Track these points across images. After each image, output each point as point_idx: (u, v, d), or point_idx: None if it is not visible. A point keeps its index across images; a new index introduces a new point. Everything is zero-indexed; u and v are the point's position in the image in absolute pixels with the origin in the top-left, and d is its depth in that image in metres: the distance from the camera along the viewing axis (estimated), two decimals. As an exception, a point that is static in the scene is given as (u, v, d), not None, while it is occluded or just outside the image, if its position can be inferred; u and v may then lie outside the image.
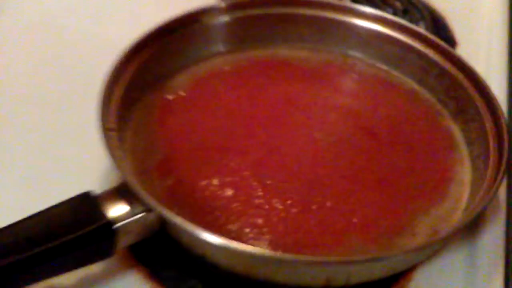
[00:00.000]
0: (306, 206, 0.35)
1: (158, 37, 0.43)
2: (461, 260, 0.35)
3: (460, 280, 0.34)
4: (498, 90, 0.50)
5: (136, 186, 0.31)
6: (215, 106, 0.43)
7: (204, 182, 0.36)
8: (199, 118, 0.42)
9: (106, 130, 0.34)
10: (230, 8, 0.47)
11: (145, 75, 0.42)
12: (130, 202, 0.30)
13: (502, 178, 0.33)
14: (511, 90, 0.51)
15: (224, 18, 0.47)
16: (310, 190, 0.36)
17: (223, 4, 0.46)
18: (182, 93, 0.44)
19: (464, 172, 0.39)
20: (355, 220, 0.35)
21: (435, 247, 0.32)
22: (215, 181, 0.36)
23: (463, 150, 0.40)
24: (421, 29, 0.45)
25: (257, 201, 0.35)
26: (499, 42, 0.59)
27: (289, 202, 0.35)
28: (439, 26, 0.62)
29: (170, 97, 0.43)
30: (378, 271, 0.31)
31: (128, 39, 0.41)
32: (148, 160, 0.38)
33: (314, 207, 0.35)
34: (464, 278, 0.34)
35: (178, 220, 0.29)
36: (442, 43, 0.44)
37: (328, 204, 0.36)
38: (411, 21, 0.61)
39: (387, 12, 0.62)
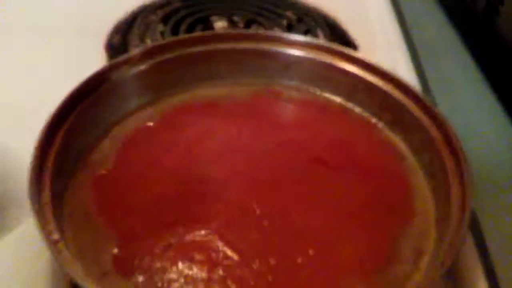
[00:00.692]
0: (290, 261, 0.33)
1: (71, 108, 0.37)
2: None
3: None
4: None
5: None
6: (147, 170, 0.39)
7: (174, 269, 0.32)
8: (135, 190, 0.37)
9: (52, 243, 0.28)
10: (140, 58, 0.42)
11: (68, 153, 0.36)
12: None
13: (471, 192, 0.33)
14: (421, 81, 0.54)
15: (135, 69, 0.42)
16: (288, 242, 0.34)
17: (134, 54, 0.42)
18: (110, 164, 0.39)
19: (420, 182, 0.39)
20: (342, 263, 0.33)
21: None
22: (183, 265, 0.32)
23: (412, 160, 0.41)
24: (342, 47, 0.44)
25: (239, 271, 0.32)
26: (394, 36, 0.62)
27: (272, 262, 0.33)
28: (335, 31, 0.63)
29: (99, 172, 0.38)
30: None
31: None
32: (103, 261, 0.33)
33: (299, 260, 0.33)
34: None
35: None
36: (364, 57, 0.44)
37: (311, 252, 0.34)
38: (308, 29, 0.62)
39: (281, 23, 0.63)
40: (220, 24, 0.63)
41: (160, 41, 0.45)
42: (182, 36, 0.43)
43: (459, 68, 0.57)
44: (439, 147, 0.38)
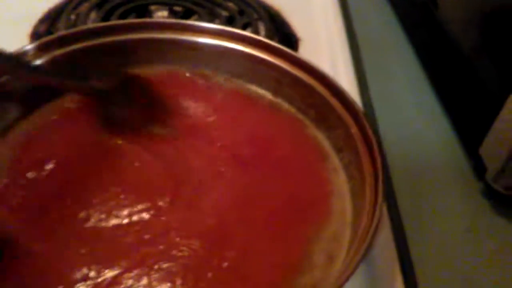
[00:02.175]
0: (198, 276, 0.31)
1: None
2: (360, 272, 0.34)
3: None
4: (347, 81, 0.51)
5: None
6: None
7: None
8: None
9: None
10: (43, 48, 0.39)
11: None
12: None
13: (383, 194, 0.32)
14: (359, 77, 0.52)
15: (38, 62, 0.39)
16: (199, 252, 0.32)
17: (31, 46, 0.39)
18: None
19: (341, 182, 0.37)
20: (253, 275, 0.31)
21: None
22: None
23: (334, 159, 0.39)
24: (269, 40, 0.42)
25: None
26: (336, 30, 0.60)
27: (178, 281, 0.30)
28: (278, 23, 0.61)
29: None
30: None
31: None
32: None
33: (209, 275, 0.31)
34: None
35: None
36: (288, 50, 0.42)
37: (225, 264, 0.31)
38: (249, 22, 0.60)
39: (222, 15, 0.60)
40: (159, 14, 0.61)
41: (60, 32, 0.42)
42: (89, 25, 0.40)
43: (399, 63, 0.56)
44: (357, 145, 0.36)
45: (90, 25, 0.45)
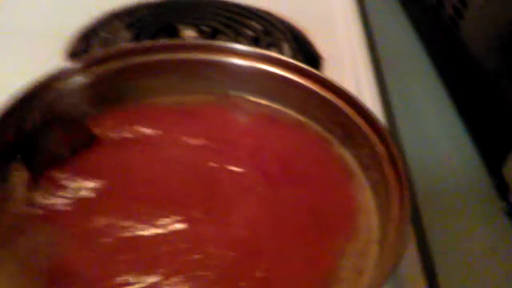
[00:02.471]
0: (232, 285, 0.32)
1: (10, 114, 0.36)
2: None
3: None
4: (371, 101, 0.52)
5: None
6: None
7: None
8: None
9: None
10: (85, 67, 0.41)
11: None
12: None
13: (408, 212, 0.33)
14: (383, 97, 0.54)
15: (82, 79, 0.41)
16: (233, 262, 0.33)
17: (77, 65, 0.41)
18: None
19: (367, 200, 0.39)
20: (284, 284, 0.32)
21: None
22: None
23: (361, 177, 0.40)
24: (297, 62, 0.44)
25: None
26: (360, 51, 0.62)
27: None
28: (302, 44, 0.63)
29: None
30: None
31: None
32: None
33: (243, 284, 0.32)
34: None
35: None
36: (316, 71, 0.44)
37: (258, 274, 0.33)
38: (273, 42, 0.62)
39: (248, 35, 0.62)
40: (187, 33, 0.63)
41: (105, 50, 0.44)
42: (129, 44, 0.42)
43: (421, 83, 0.57)
44: (384, 164, 0.37)
45: (126, 45, 0.47)
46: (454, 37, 0.54)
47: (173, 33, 0.62)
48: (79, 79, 0.41)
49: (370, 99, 0.52)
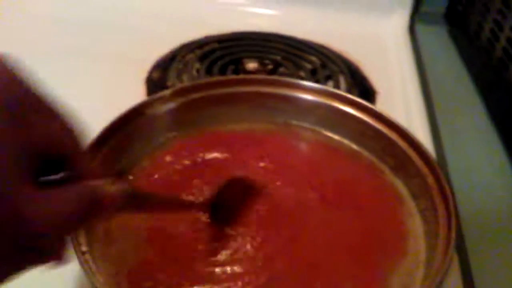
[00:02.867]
0: None
1: (109, 137, 0.43)
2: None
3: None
4: (422, 135, 0.56)
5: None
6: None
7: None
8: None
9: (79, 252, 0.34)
10: (173, 95, 0.48)
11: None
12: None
13: (455, 237, 0.37)
14: (433, 131, 0.57)
15: (168, 106, 0.48)
16: (295, 276, 0.38)
17: (166, 93, 0.48)
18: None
19: (416, 226, 0.43)
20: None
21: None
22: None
23: (410, 204, 0.44)
24: (354, 97, 0.49)
25: None
26: (412, 86, 0.66)
27: None
28: (357, 77, 0.68)
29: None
30: None
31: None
32: (121, 267, 0.38)
33: None
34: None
35: None
36: (372, 106, 0.49)
37: (316, 286, 0.37)
38: (330, 74, 0.67)
39: (306, 67, 0.68)
40: (251, 66, 0.69)
41: (189, 83, 0.51)
42: (209, 79, 0.49)
43: (470, 119, 0.60)
44: (433, 195, 0.41)
45: (203, 80, 0.54)
46: (503, 77, 0.57)
47: (239, 64, 0.68)
48: (167, 106, 0.47)
49: (420, 132, 0.56)
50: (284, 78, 0.51)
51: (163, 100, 0.47)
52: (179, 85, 0.48)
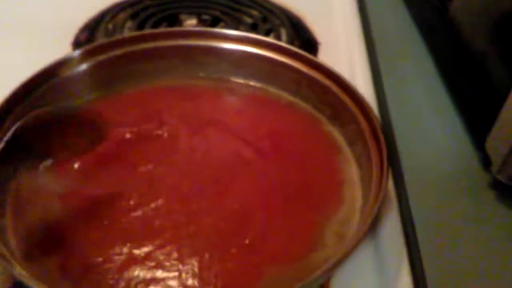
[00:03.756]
0: (223, 251, 0.35)
1: (19, 101, 0.39)
2: (368, 256, 0.38)
3: (371, 275, 0.37)
4: (363, 83, 0.54)
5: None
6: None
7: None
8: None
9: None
10: (88, 54, 0.44)
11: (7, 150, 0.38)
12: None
13: (387, 175, 0.35)
14: (375, 79, 0.56)
15: (84, 65, 0.44)
16: (224, 231, 0.36)
17: (79, 51, 0.44)
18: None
19: (352, 172, 0.41)
20: (270, 251, 0.35)
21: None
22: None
23: (347, 152, 0.43)
24: (285, 44, 0.46)
25: (167, 262, 0.34)
26: (355, 35, 0.64)
27: (206, 256, 0.35)
28: (299, 29, 0.65)
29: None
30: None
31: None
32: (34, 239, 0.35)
33: (233, 250, 0.35)
34: (374, 272, 0.37)
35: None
36: (306, 54, 0.46)
37: (247, 241, 0.36)
38: (271, 28, 0.64)
39: (246, 22, 0.64)
40: (189, 22, 0.65)
41: (108, 39, 0.47)
42: (131, 33, 0.45)
43: (415, 67, 0.59)
44: (367, 139, 0.39)
45: (127, 34, 0.50)
46: (443, 18, 0.55)
47: (175, 22, 0.65)
48: (82, 66, 0.44)
49: (363, 82, 0.53)
50: (213, 29, 0.48)
51: (76, 60, 0.43)
52: (96, 42, 0.44)
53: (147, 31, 0.47)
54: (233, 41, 0.48)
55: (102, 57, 0.45)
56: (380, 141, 0.38)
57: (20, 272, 0.29)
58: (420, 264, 0.38)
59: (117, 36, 0.48)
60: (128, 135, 0.43)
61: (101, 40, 0.53)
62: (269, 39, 0.47)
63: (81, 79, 0.44)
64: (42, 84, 0.41)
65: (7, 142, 0.37)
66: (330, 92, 0.44)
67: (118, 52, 0.45)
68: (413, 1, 0.66)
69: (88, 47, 0.44)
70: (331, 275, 0.35)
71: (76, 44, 0.59)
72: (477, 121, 0.48)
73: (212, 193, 0.39)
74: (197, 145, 0.43)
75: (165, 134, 0.43)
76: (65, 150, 0.37)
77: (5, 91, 0.40)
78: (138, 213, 0.37)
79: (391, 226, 0.39)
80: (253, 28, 0.64)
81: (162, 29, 0.46)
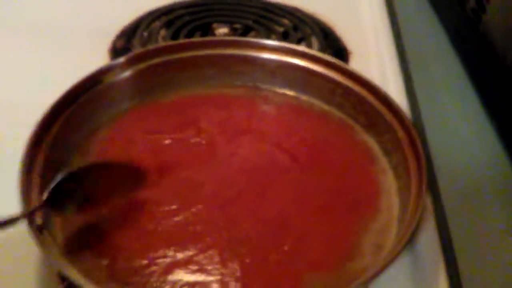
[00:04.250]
0: (263, 257, 0.36)
1: (64, 107, 0.41)
2: (405, 265, 0.38)
3: (408, 285, 0.37)
4: (395, 92, 0.54)
5: (86, 284, 0.29)
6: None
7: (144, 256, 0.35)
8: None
9: (32, 225, 0.32)
10: (130, 62, 0.46)
11: (57, 151, 0.40)
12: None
13: (426, 186, 0.35)
14: (407, 87, 0.56)
15: (126, 73, 0.46)
16: (263, 237, 0.37)
17: (122, 60, 0.45)
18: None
19: (389, 182, 0.41)
20: (308, 258, 0.36)
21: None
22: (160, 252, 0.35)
23: (383, 161, 0.43)
24: (320, 53, 0.47)
25: (209, 266, 0.35)
26: (386, 44, 0.64)
27: (247, 260, 0.35)
28: (330, 38, 0.66)
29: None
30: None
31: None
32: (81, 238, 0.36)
33: (273, 256, 0.36)
34: (412, 282, 0.37)
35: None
36: (341, 63, 0.47)
37: (286, 248, 0.36)
38: (303, 37, 0.65)
39: (278, 31, 0.65)
40: (221, 31, 0.67)
41: (147, 47, 0.49)
42: (168, 42, 0.46)
43: (446, 76, 0.59)
44: (405, 148, 0.40)
45: (165, 43, 0.51)
46: (477, 30, 0.55)
47: (208, 31, 0.66)
48: (124, 74, 0.45)
49: (395, 90, 0.54)
50: (247, 39, 0.49)
51: (120, 67, 0.45)
52: (136, 51, 0.45)
53: (185, 40, 0.48)
54: (268, 51, 0.49)
55: (142, 65, 0.46)
56: (419, 151, 0.38)
57: (71, 270, 0.30)
58: (457, 274, 0.38)
59: (156, 45, 0.50)
60: (167, 142, 0.44)
61: (140, 48, 0.54)
62: (304, 49, 0.48)
63: (122, 87, 0.45)
64: (88, 89, 0.43)
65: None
66: (365, 101, 0.45)
67: (156, 60, 0.46)
68: (445, 10, 0.66)
69: (129, 55, 0.45)
70: (368, 284, 0.36)
71: (113, 51, 0.61)
72: (510, 128, 0.48)
73: (250, 200, 0.39)
74: (234, 152, 0.44)
75: (203, 141, 0.44)
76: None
77: (47, 96, 0.41)
78: (180, 218, 0.38)
79: (428, 235, 0.39)
80: (284, 37, 0.65)
81: (198, 38, 0.47)
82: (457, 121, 0.53)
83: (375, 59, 0.62)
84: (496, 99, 0.53)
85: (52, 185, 0.33)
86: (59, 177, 0.34)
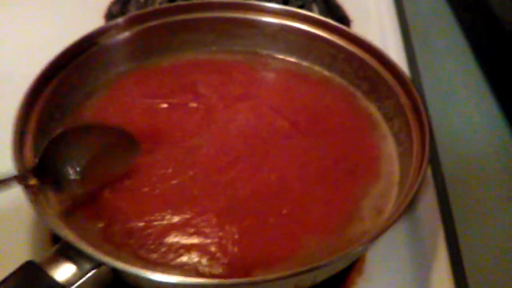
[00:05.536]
0: (262, 220, 0.35)
1: (58, 69, 0.40)
2: (404, 234, 0.38)
3: (408, 249, 0.37)
4: (396, 60, 0.53)
5: (81, 244, 0.28)
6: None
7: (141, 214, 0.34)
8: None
9: (26, 186, 0.31)
10: (128, 23, 0.44)
11: (52, 111, 0.39)
12: (75, 261, 0.28)
13: (429, 150, 0.35)
14: (408, 55, 0.55)
15: (123, 35, 0.44)
16: (262, 201, 0.36)
17: (118, 21, 0.44)
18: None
19: (389, 148, 0.41)
20: (307, 222, 0.35)
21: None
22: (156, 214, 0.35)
23: (383, 127, 0.42)
24: (323, 17, 0.46)
25: (206, 229, 0.34)
26: (387, 12, 0.62)
27: (245, 224, 0.35)
28: (330, 6, 0.64)
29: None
30: (341, 264, 0.32)
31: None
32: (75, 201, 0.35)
33: (271, 220, 0.35)
34: (410, 251, 0.37)
35: (135, 270, 0.28)
36: (345, 28, 0.46)
37: (284, 211, 0.35)
38: (303, 4, 0.63)
39: (280, -2, 0.64)
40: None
41: (145, 9, 0.47)
42: (167, 4, 0.45)
43: (447, 44, 0.58)
44: (407, 114, 0.39)
45: (160, 6, 0.50)
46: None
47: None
48: (120, 36, 0.44)
49: (396, 59, 0.52)
50: (248, 1, 0.47)
51: (116, 29, 0.43)
52: (134, 12, 0.44)
53: (183, 2, 0.46)
54: (269, 14, 0.47)
55: (138, 28, 0.45)
56: (422, 116, 0.37)
57: (66, 231, 0.30)
58: (455, 238, 0.38)
59: (156, 7, 0.48)
60: (164, 105, 0.43)
61: (137, 11, 0.53)
62: (307, 12, 0.47)
63: (119, 49, 0.44)
64: (83, 51, 0.41)
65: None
66: (368, 66, 0.44)
67: (154, 23, 0.45)
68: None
69: (125, 16, 0.44)
70: (368, 247, 0.35)
71: (109, 16, 0.60)
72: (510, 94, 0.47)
73: (249, 165, 0.39)
74: (233, 117, 0.43)
75: (201, 106, 0.43)
76: None
77: (41, 62, 0.40)
78: (176, 181, 0.37)
79: (428, 203, 0.39)
80: (285, 2, 0.63)
81: (197, 1, 0.46)
82: (458, 91, 0.52)
83: (376, 28, 0.60)
84: (497, 68, 0.52)
85: (44, 145, 0.33)
86: (50, 138, 0.33)
